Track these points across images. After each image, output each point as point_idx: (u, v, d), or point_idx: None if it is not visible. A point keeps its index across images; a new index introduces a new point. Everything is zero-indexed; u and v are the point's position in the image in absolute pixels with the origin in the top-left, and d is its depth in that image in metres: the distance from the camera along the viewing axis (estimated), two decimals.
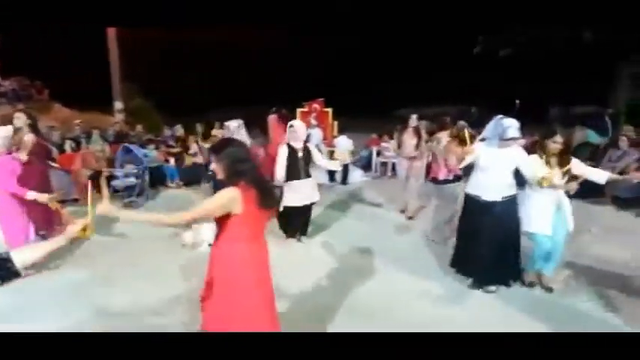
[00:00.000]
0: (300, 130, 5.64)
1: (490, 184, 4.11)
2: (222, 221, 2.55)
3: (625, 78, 14.74)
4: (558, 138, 4.01)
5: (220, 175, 2.58)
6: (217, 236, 2.64)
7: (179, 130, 11.40)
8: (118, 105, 14.50)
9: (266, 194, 2.59)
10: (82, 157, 8.47)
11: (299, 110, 11.53)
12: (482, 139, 4.27)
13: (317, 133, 10.28)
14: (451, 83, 20.40)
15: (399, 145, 7.01)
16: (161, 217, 2.66)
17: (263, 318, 2.65)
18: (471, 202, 4.29)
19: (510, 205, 4.16)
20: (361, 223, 6.85)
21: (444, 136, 5.99)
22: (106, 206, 2.43)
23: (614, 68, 14.94)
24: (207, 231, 5.25)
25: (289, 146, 5.55)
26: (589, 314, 3.98)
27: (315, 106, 11.63)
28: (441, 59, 20.97)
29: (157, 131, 11.94)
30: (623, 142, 8.28)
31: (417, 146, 6.81)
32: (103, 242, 5.52)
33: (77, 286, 4.47)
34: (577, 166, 4.11)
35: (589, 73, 16.20)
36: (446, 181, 6.03)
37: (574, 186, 3.99)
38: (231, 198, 2.47)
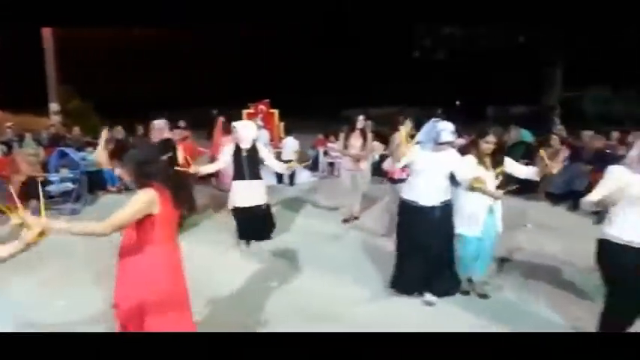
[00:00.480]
0: (243, 131, 5.48)
1: (426, 188, 4.00)
2: (137, 224, 2.51)
3: (557, 76, 15.57)
4: (490, 138, 3.98)
5: (128, 179, 2.56)
6: (132, 239, 2.59)
7: (120, 132, 10.96)
8: (54, 107, 13.82)
9: (180, 193, 2.60)
10: (14, 161, 7.98)
11: (245, 111, 11.42)
12: (417, 143, 4.14)
13: (263, 135, 10.21)
14: (395, 85, 20.91)
15: (345, 146, 6.89)
16: (91, 225, 2.41)
17: (178, 318, 2.66)
18: (407, 208, 4.12)
19: (448, 209, 4.09)
20: (307, 224, 6.89)
21: (397, 137, 5.98)
22: (42, 221, 2.12)
23: (546, 68, 15.79)
24: None
25: (236, 146, 5.46)
26: (522, 308, 4.16)
27: (261, 107, 11.56)
28: (385, 62, 21.43)
29: (96, 133, 11.43)
30: (555, 141, 8.78)
31: (363, 147, 6.77)
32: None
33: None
34: (510, 165, 4.14)
35: (523, 73, 17.11)
36: (401, 180, 6.03)
37: (500, 195, 4.00)
38: (149, 199, 2.46)
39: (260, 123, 10.39)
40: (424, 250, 4.02)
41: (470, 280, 4.37)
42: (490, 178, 4.00)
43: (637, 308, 3.08)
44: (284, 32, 21.46)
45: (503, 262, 5.19)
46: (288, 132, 10.83)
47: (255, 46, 23.31)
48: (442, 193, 4.04)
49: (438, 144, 3.92)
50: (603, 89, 18.40)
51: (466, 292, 4.33)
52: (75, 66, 15.52)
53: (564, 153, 8.44)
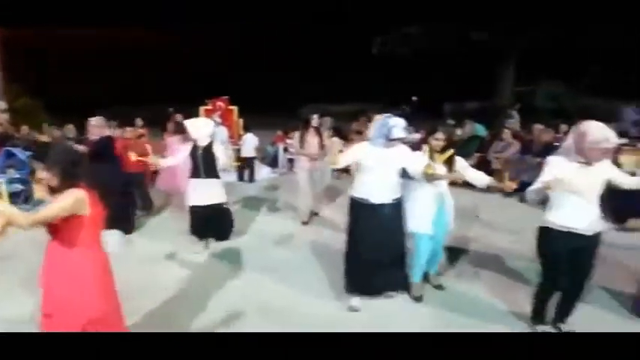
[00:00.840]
0: (193, 129, 5.33)
1: (377, 185, 3.93)
2: (62, 225, 2.44)
3: (509, 73, 16.08)
4: (440, 135, 4.02)
5: (53, 182, 2.47)
6: (56, 240, 2.52)
7: (71, 130, 10.58)
8: (1, 105, 13.16)
9: (106, 194, 2.66)
10: None
11: (202, 108, 11.22)
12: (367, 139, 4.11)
13: (222, 132, 10.09)
14: (354, 81, 21.06)
15: (302, 145, 6.65)
16: (15, 215, 2.30)
17: (109, 319, 2.64)
18: (358, 206, 4.04)
19: (399, 207, 4.06)
20: (266, 223, 6.86)
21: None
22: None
23: (499, 65, 16.28)
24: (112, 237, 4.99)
25: (194, 144, 5.36)
26: (477, 299, 4.29)
27: (220, 103, 11.38)
28: (344, 58, 21.53)
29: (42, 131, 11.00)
30: (507, 135, 9.10)
31: (320, 146, 6.59)
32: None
33: None
34: (461, 167, 4.16)
35: (477, 70, 17.59)
36: None
37: (460, 175, 4.04)
38: (79, 199, 2.43)
39: (218, 120, 10.27)
40: (376, 248, 3.97)
41: (425, 275, 4.42)
42: (442, 168, 4.02)
43: (576, 290, 3.39)
44: (245, 28, 21.29)
45: (455, 252, 5.32)
46: (247, 128, 10.71)
47: (215, 42, 22.98)
48: (393, 190, 4.00)
49: (390, 140, 3.87)
50: (554, 84, 19.19)
51: (419, 299, 4.28)
52: (24, 64, 14.89)
53: (515, 147, 8.83)
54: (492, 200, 8.02)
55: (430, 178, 3.86)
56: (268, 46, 23.60)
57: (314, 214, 6.98)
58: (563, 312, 3.54)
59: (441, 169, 3.98)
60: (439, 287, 4.43)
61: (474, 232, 6.18)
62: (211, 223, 5.55)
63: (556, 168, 3.13)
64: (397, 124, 3.84)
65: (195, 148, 5.36)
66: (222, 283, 4.64)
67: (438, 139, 4.02)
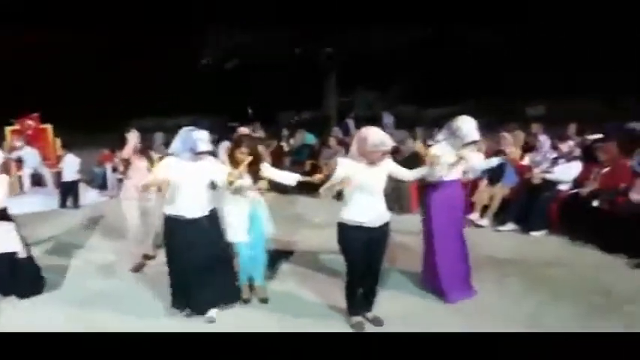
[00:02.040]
0: None
1: (189, 200, 3.92)
2: None
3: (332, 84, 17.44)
4: (244, 149, 4.10)
5: None
6: None
7: None
8: None
9: None
10: None
11: (8, 129, 9.80)
12: (171, 154, 4.07)
13: (31, 155, 9.07)
14: (186, 95, 20.61)
15: (125, 170, 5.51)
16: None
17: None
18: (172, 223, 3.99)
19: (214, 218, 4.12)
20: (90, 251, 6.30)
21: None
22: None
23: (324, 77, 17.53)
24: None
25: None
26: (304, 298, 4.52)
27: (29, 122, 10.05)
28: (174, 71, 20.87)
29: None
30: (332, 142, 9.85)
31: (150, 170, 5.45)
32: None
33: None
34: (267, 169, 4.38)
35: (307, 82, 18.68)
36: None
37: (264, 185, 4.33)
38: None
39: (19, 144, 9.16)
40: (196, 263, 3.96)
41: (251, 287, 4.50)
42: (248, 180, 4.14)
43: (373, 278, 3.82)
44: (61, 37, 19.20)
45: (285, 256, 5.57)
46: (67, 148, 9.71)
47: (26, 52, 20.24)
48: (206, 203, 4.04)
49: (196, 154, 3.88)
50: (370, 94, 21.36)
51: (247, 300, 4.39)
52: None
53: (340, 153, 9.62)
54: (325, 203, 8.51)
55: (236, 189, 3.99)
56: (91, 57, 21.50)
57: (149, 258, 5.55)
58: (368, 300, 3.95)
59: (246, 179, 4.12)
60: (264, 301, 4.42)
61: (301, 235, 6.48)
62: (11, 276, 4.62)
63: (345, 167, 3.53)
64: (202, 138, 3.88)
65: None
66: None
67: (243, 152, 4.10)
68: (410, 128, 9.95)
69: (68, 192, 9.20)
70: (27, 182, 9.44)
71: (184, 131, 3.96)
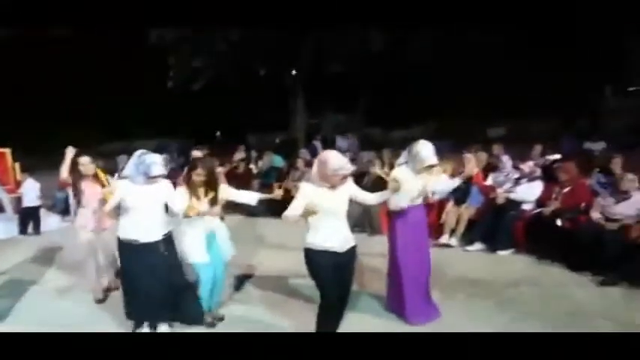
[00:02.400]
0: None
1: (145, 224, 3.95)
2: None
3: (300, 106, 17.60)
4: (200, 171, 4.09)
5: None
6: None
7: None
8: None
9: None
10: None
11: None
12: (124, 177, 4.08)
13: None
14: (152, 117, 20.35)
15: (77, 197, 5.11)
16: None
17: None
18: (128, 248, 3.99)
19: (171, 241, 4.15)
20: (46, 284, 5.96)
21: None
22: None
23: (291, 99, 17.67)
24: None
25: None
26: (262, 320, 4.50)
27: None
28: (141, 93, 20.61)
29: None
30: (300, 164, 9.87)
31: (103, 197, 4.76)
32: None
33: None
34: (226, 190, 4.40)
35: (274, 104, 18.80)
36: None
37: (217, 211, 4.21)
38: None
39: None
40: (156, 287, 3.94)
41: (209, 309, 4.46)
42: (205, 204, 4.13)
43: (341, 302, 3.68)
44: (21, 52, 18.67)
45: (245, 278, 5.52)
46: (27, 172, 9.38)
47: None
48: (162, 226, 4.07)
49: (150, 177, 3.90)
50: (337, 116, 21.67)
51: (212, 324, 4.37)
52: None
53: (307, 174, 9.64)
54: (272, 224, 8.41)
55: (193, 214, 3.96)
56: (50, 72, 20.80)
57: (110, 290, 5.28)
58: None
59: (204, 202, 4.12)
60: (221, 319, 4.48)
61: (266, 257, 6.45)
62: None
63: (307, 192, 3.47)
64: (156, 161, 3.91)
65: None
66: None
67: (200, 174, 4.10)
68: (377, 150, 10.06)
69: (29, 218, 8.89)
70: None
71: (137, 155, 3.97)
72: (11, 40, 16.80)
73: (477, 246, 6.46)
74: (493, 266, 5.81)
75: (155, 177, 3.90)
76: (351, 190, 3.69)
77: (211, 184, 4.17)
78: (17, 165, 10.02)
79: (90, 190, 4.97)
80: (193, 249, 4.17)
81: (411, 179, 4.13)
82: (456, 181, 4.71)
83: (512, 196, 6.53)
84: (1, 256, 7.07)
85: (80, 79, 20.56)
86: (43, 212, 9.25)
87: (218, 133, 17.13)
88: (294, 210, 3.42)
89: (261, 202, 4.58)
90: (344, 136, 15.34)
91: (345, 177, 3.52)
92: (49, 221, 9.29)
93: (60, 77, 20.59)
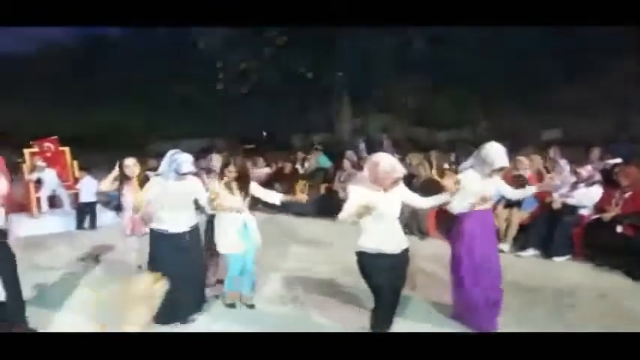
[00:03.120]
0: None
1: (174, 216, 4.25)
2: None
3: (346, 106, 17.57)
4: (232, 168, 4.45)
5: None
6: None
7: None
8: None
9: None
10: None
11: (27, 151, 9.91)
12: (158, 175, 4.40)
13: (50, 176, 9.22)
14: (203, 118, 20.83)
15: (123, 201, 5.20)
16: None
17: None
18: (158, 236, 4.29)
19: (197, 234, 4.49)
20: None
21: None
22: None
23: (338, 101, 17.64)
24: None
25: None
26: (300, 318, 4.52)
27: (48, 145, 10.18)
28: (191, 94, 21.11)
29: None
30: (347, 165, 9.82)
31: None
32: None
33: None
34: (255, 188, 4.62)
35: (319, 104, 18.83)
36: None
37: (246, 205, 4.52)
38: None
39: (42, 164, 9.33)
40: (179, 276, 4.01)
41: (239, 293, 4.74)
42: (237, 200, 4.44)
43: (395, 305, 3.71)
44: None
45: (291, 280, 5.52)
46: (85, 170, 9.79)
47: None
48: (191, 218, 4.41)
49: (181, 174, 4.19)
50: (382, 117, 21.36)
51: (232, 306, 4.68)
52: None
53: (354, 176, 9.58)
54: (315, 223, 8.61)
55: (219, 207, 4.28)
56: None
57: None
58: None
59: (236, 196, 4.45)
60: (251, 306, 4.71)
61: (291, 256, 6.45)
62: None
63: (358, 196, 3.43)
64: (187, 160, 4.21)
65: None
66: None
67: (231, 171, 4.46)
68: (424, 151, 9.85)
69: (85, 213, 9.27)
70: (44, 203, 9.53)
71: (170, 154, 4.26)
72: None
73: (531, 252, 6.23)
74: (549, 273, 5.59)
75: (185, 174, 4.20)
76: (402, 193, 3.64)
77: (242, 181, 4.50)
78: (75, 162, 10.47)
79: (130, 194, 5.04)
80: (226, 239, 4.46)
81: (478, 182, 3.97)
82: (531, 189, 4.52)
83: (570, 200, 6.26)
84: (55, 251, 7.40)
85: (132, 81, 21.42)
86: (99, 208, 9.62)
87: (264, 134, 17.30)
88: (347, 212, 3.42)
89: (301, 204, 4.82)
90: (362, 139, 15.04)
91: (396, 180, 3.47)
92: (105, 217, 9.64)
93: (113, 80, 21.56)
